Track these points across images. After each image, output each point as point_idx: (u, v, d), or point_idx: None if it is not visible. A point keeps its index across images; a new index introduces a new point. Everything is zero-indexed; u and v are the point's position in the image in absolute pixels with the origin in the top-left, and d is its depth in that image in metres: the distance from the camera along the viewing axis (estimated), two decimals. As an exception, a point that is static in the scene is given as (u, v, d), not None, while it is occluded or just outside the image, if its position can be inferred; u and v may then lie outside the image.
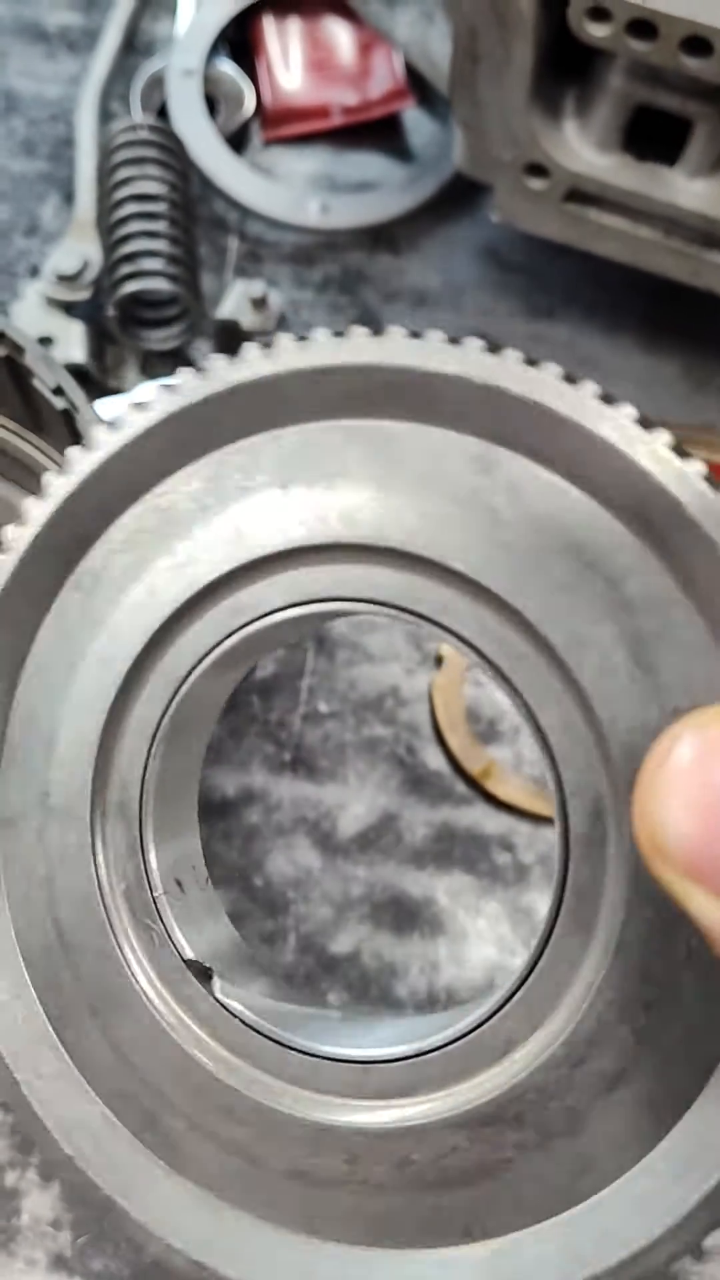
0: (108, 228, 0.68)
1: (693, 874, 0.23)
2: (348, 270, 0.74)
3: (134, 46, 0.81)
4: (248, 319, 0.63)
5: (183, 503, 0.32)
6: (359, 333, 0.31)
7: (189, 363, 0.70)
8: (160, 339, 0.69)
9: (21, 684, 0.31)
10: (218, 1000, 0.32)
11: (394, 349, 0.31)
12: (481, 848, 0.60)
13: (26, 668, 0.31)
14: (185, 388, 0.32)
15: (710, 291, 0.63)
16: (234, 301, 0.63)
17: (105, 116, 0.77)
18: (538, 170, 0.59)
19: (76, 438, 0.49)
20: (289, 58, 0.79)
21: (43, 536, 0.31)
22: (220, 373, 0.32)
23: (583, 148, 0.58)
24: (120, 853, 0.31)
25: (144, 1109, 0.33)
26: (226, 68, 0.78)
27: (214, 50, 0.78)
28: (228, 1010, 0.32)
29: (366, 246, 0.75)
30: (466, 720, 0.63)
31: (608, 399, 0.31)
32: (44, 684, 0.31)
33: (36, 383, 0.48)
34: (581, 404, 0.31)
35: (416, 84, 0.77)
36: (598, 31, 0.50)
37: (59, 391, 0.47)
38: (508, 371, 0.31)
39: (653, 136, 0.58)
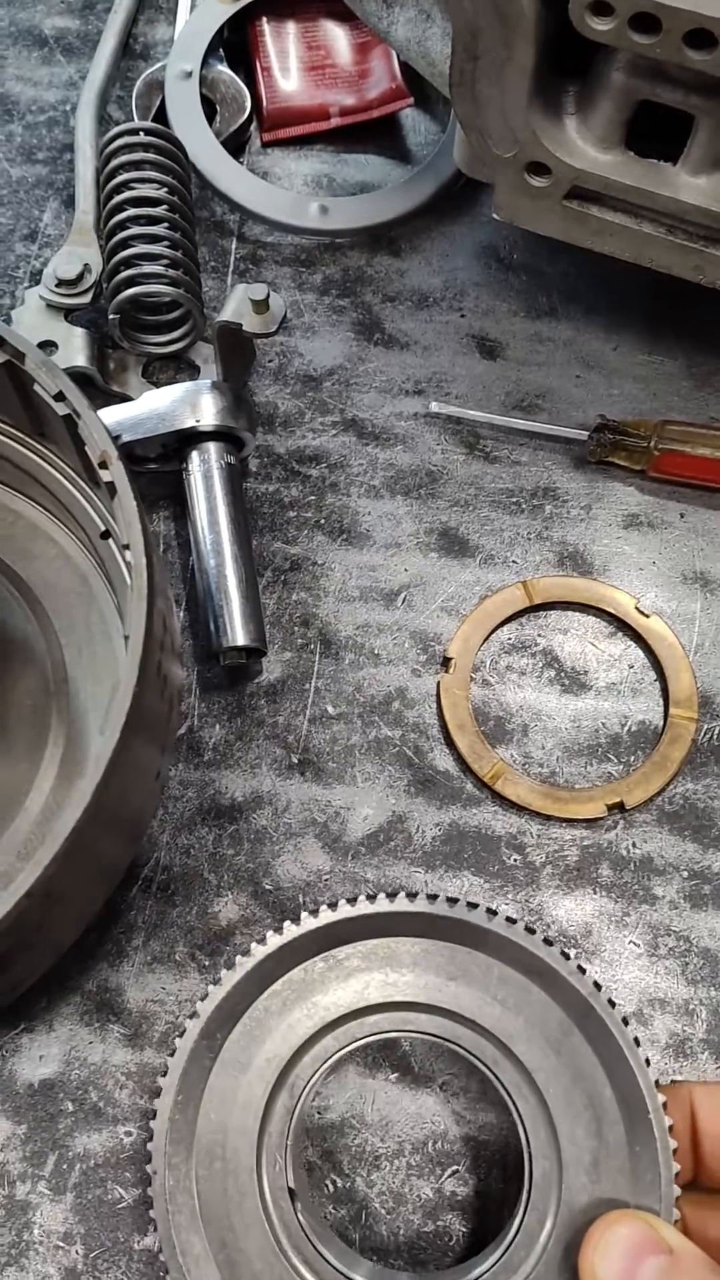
0: (106, 232, 0.68)
1: None
2: (348, 272, 0.74)
3: (131, 50, 0.81)
4: (249, 321, 0.63)
5: (311, 976, 0.51)
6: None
7: (191, 367, 0.70)
8: (162, 343, 0.69)
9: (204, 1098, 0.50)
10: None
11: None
12: (491, 849, 0.60)
13: (209, 1082, 0.50)
14: (305, 924, 0.51)
15: (714, 287, 0.62)
16: (235, 304, 0.63)
17: (103, 121, 0.76)
18: (539, 168, 0.59)
19: (79, 443, 0.48)
20: (286, 60, 0.79)
21: (214, 1014, 0.49)
22: (330, 915, 0.51)
23: (584, 145, 0.58)
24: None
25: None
26: (224, 70, 0.78)
27: (211, 53, 0.78)
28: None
29: (367, 248, 0.74)
30: (474, 721, 0.62)
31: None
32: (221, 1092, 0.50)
33: (38, 389, 0.47)
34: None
35: (415, 84, 0.77)
36: (599, 26, 0.49)
37: (60, 397, 0.46)
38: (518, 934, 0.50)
39: (655, 133, 0.57)
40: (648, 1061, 0.48)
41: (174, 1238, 0.47)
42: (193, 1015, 0.50)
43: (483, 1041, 0.50)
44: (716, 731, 0.63)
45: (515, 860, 0.60)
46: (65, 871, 0.42)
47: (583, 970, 0.49)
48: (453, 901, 0.50)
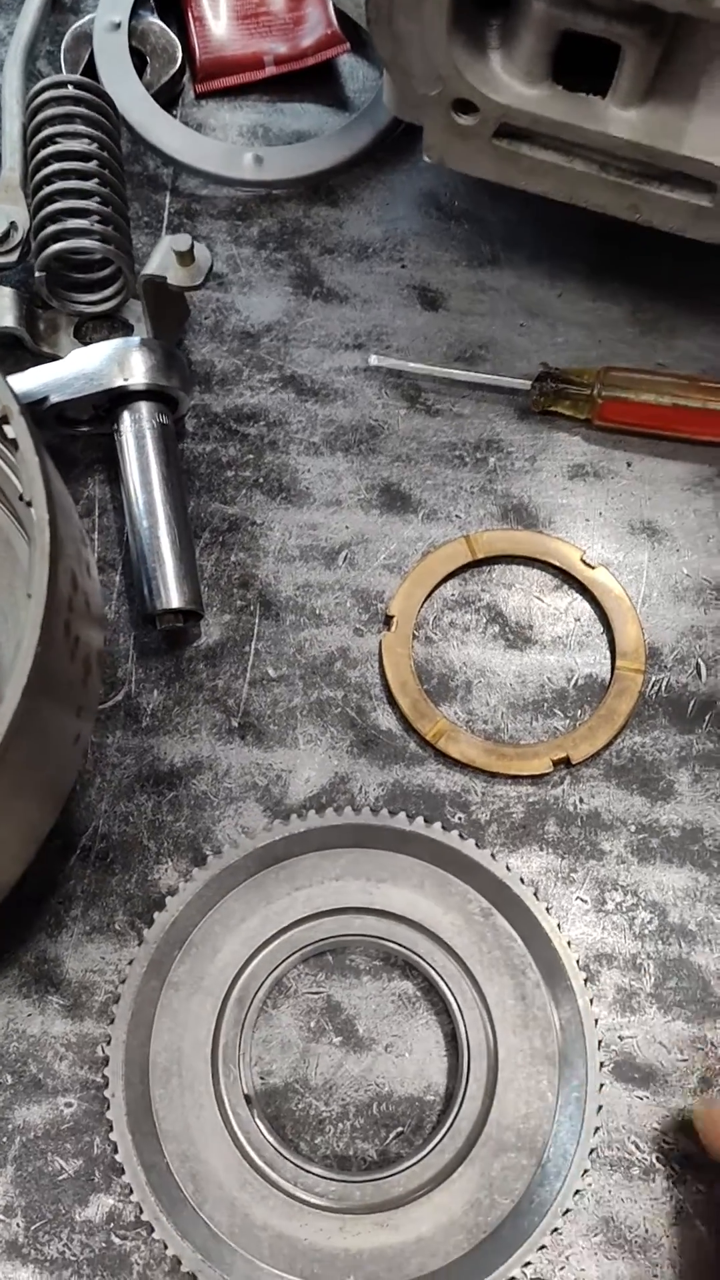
0: (33, 188, 0.66)
1: None
2: (285, 224, 0.72)
3: (60, 3, 0.78)
4: (175, 274, 0.61)
5: (251, 895, 0.55)
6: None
7: (125, 326, 0.68)
8: (92, 302, 0.67)
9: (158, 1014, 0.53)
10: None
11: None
12: (435, 808, 0.59)
13: (160, 1003, 0.53)
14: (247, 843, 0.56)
15: (651, 226, 0.61)
16: (160, 257, 0.61)
17: (31, 76, 0.74)
18: (465, 106, 0.57)
19: (-15, 397, 0.47)
20: (218, 8, 0.76)
21: (162, 939, 0.53)
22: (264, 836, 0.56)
23: (510, 80, 0.56)
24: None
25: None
26: (154, 21, 0.75)
27: (140, 4, 0.75)
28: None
29: (304, 199, 0.73)
30: (417, 679, 0.61)
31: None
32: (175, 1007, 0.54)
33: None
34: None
35: (351, 30, 0.75)
36: (512, -49, 0.48)
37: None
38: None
39: (582, 67, 0.56)
40: (559, 926, 0.53)
41: (136, 1158, 0.50)
42: (140, 943, 0.53)
43: (414, 934, 0.54)
44: (664, 683, 0.61)
45: (460, 819, 0.59)
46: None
47: (494, 856, 0.54)
48: (375, 811, 0.56)
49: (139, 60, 0.75)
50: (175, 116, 0.74)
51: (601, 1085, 0.52)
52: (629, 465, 0.66)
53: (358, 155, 0.72)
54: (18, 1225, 0.52)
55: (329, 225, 0.72)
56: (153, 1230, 0.49)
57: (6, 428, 0.45)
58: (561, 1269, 0.52)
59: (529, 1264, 0.49)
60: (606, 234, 0.68)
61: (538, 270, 0.70)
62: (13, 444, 0.45)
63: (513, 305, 0.70)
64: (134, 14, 0.75)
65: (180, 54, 0.75)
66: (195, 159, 0.72)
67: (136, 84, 0.73)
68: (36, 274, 0.65)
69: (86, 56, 0.75)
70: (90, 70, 0.75)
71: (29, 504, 0.44)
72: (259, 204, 0.73)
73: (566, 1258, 0.52)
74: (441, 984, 0.54)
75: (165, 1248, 0.49)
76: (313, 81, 0.76)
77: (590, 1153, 0.51)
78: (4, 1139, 0.53)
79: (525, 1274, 0.49)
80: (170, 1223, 0.49)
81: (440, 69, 0.55)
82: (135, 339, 0.63)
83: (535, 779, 0.59)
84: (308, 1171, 0.51)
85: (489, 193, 0.71)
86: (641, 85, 0.54)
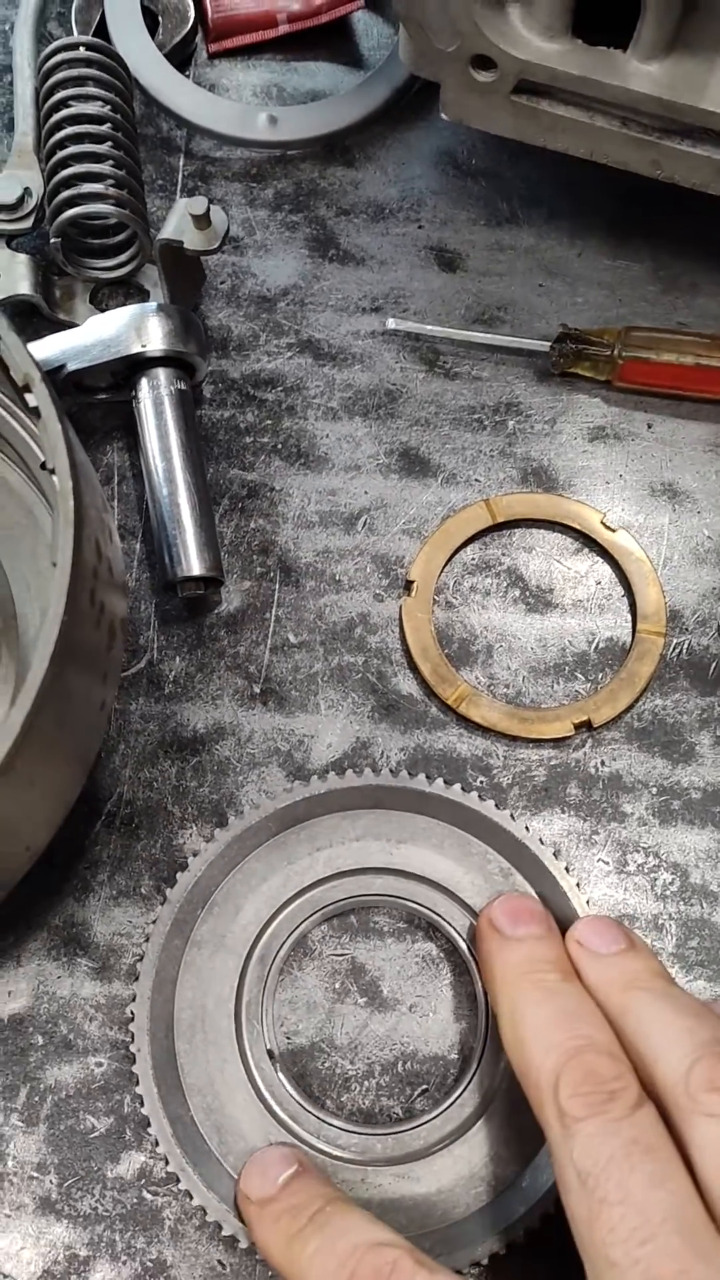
0: (46, 153, 0.65)
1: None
2: (300, 185, 0.71)
3: (70, -37, 0.77)
4: (191, 238, 0.60)
5: (273, 855, 0.56)
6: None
7: (141, 291, 0.68)
8: (108, 267, 0.67)
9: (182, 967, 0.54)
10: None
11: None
12: (457, 771, 0.59)
13: (184, 961, 0.54)
14: (270, 803, 0.56)
15: (673, 183, 0.60)
16: (176, 220, 0.61)
17: (42, 39, 0.73)
18: (484, 62, 0.56)
19: (4, 368, 0.47)
20: (230, -36, 0.75)
21: (191, 892, 0.54)
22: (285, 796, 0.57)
23: (529, 34, 0.55)
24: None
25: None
26: (166, -21, 0.74)
27: (151, -39, 0.74)
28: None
29: (319, 159, 0.72)
30: (438, 644, 0.61)
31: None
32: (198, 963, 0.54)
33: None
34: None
35: (365, -15, 0.74)
36: None
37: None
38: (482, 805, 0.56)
39: (603, 21, 0.55)
40: (579, 885, 0.54)
41: (161, 1111, 0.51)
42: (164, 901, 0.54)
43: (434, 894, 0.55)
44: (685, 646, 0.61)
45: (482, 782, 0.59)
46: (5, 802, 0.41)
47: (514, 817, 0.55)
48: (394, 773, 0.57)
49: (151, 20, 0.74)
50: (188, 77, 0.73)
51: None
52: (650, 427, 0.66)
53: (373, 114, 0.72)
54: (51, 1181, 0.53)
55: (345, 186, 0.71)
56: (179, 1181, 0.50)
57: (29, 396, 0.45)
58: (585, 1223, 0.52)
59: (548, 1215, 0.50)
60: (628, 191, 0.67)
61: (557, 229, 0.70)
62: (35, 412, 0.45)
63: (531, 265, 0.69)
64: (145, -28, 0.74)
65: (193, 13, 0.74)
66: (209, 120, 0.71)
67: (149, 45, 0.73)
68: (52, 240, 0.64)
69: (98, 17, 0.74)
70: (102, 31, 0.74)
71: (52, 472, 0.44)
72: (274, 165, 0.72)
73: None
74: (462, 943, 0.55)
75: (191, 1198, 0.50)
76: (327, 39, 0.75)
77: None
78: (36, 1098, 0.54)
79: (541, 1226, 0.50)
80: (196, 1174, 0.50)
81: (459, 24, 0.54)
82: (152, 304, 0.63)
83: (557, 742, 0.60)
84: (329, 1124, 0.52)
85: (508, 150, 0.70)
86: (664, 38, 0.53)
